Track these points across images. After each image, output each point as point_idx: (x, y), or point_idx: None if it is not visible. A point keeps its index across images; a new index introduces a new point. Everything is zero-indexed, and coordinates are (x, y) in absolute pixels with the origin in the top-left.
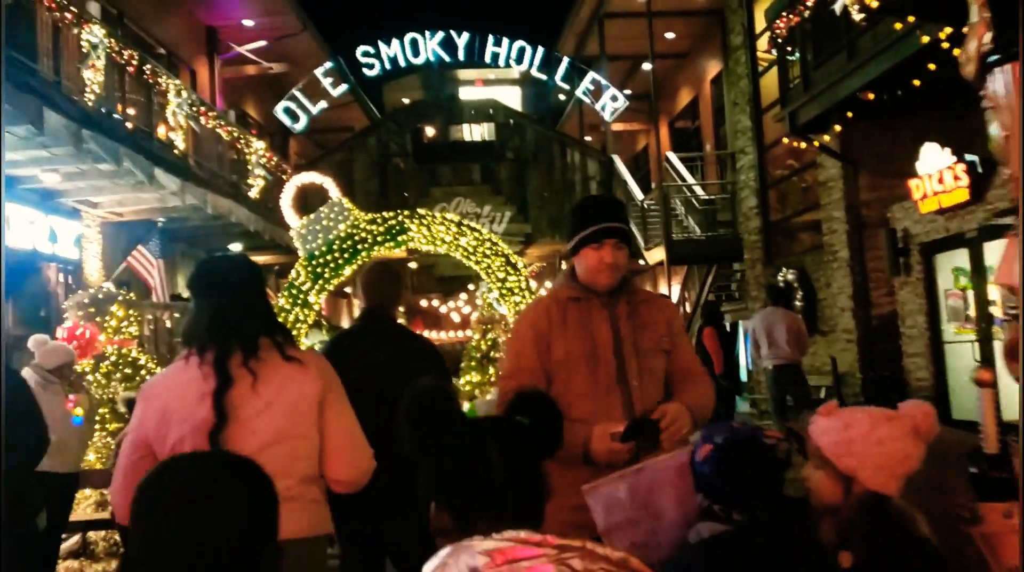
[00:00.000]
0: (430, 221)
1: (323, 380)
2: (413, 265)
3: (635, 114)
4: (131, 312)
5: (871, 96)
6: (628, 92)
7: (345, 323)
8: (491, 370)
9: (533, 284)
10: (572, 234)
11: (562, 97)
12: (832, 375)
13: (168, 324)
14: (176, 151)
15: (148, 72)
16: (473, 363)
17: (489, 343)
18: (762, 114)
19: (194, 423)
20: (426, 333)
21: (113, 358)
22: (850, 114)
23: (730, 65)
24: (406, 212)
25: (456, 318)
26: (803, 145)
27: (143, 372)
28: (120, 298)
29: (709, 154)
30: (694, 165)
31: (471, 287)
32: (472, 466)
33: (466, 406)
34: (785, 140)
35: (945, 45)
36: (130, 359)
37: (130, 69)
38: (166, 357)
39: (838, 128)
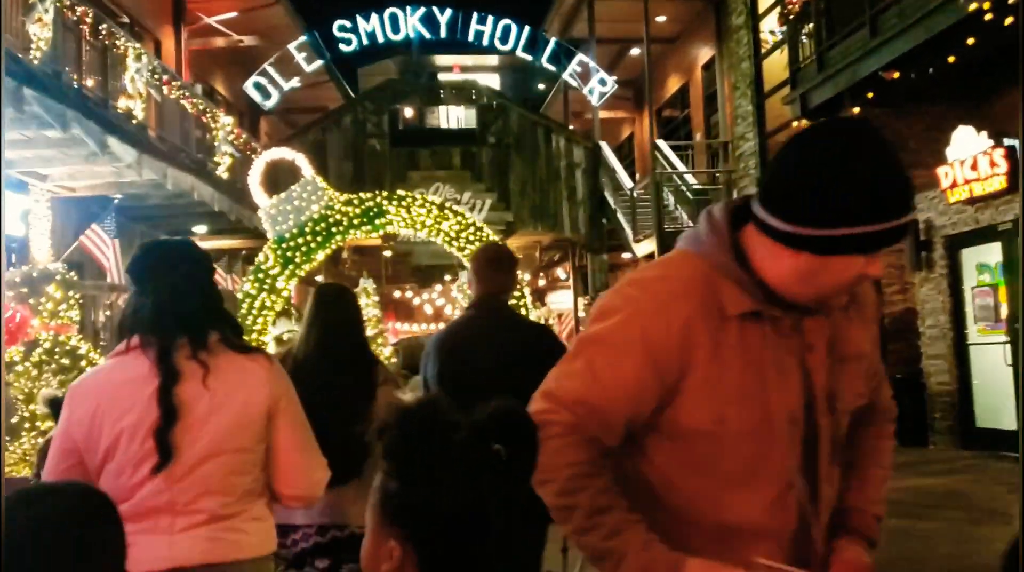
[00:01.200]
0: (410, 203)
1: (275, 386)
2: (387, 253)
3: (620, 101)
4: (72, 294)
5: (896, 75)
6: (614, 78)
7: None
8: None
9: (524, 275)
10: (822, 218)
11: (542, 87)
12: None
13: (121, 300)
14: (134, 121)
15: (104, 32)
16: None
17: None
18: (764, 98)
19: (133, 422)
20: (400, 326)
21: (47, 345)
22: (870, 94)
23: (730, 47)
24: (384, 193)
25: (429, 310)
26: None
27: (83, 363)
28: (58, 277)
29: (700, 143)
30: (683, 155)
31: (447, 278)
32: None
33: None
34: (795, 124)
35: (988, 16)
36: (68, 348)
37: (83, 27)
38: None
39: (856, 110)
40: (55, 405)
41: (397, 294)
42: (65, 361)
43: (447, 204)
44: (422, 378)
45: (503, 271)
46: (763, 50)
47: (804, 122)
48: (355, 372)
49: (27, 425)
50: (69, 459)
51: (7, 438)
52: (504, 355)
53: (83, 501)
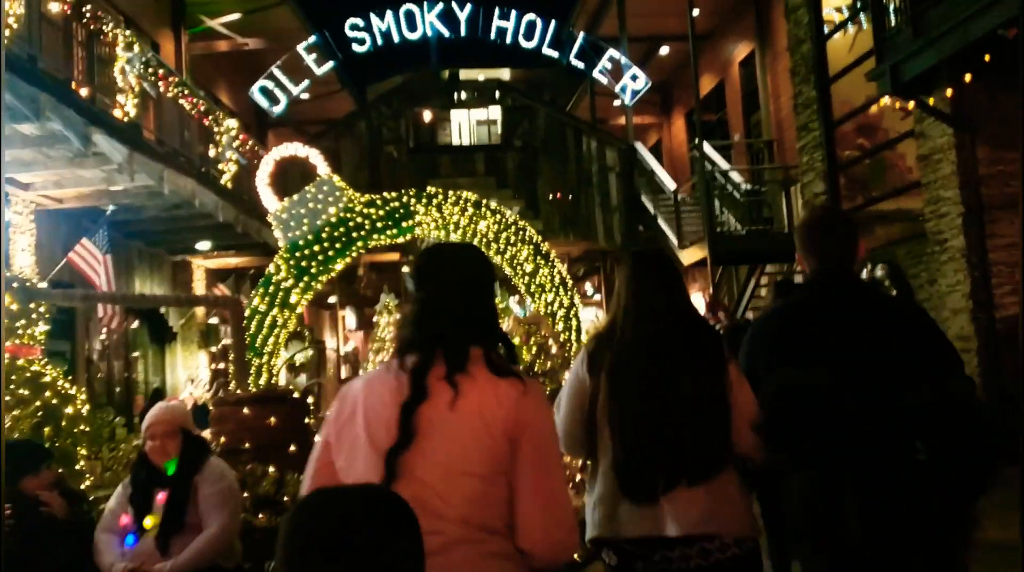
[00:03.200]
0: (441, 201)
1: (523, 415)
2: (407, 269)
3: (646, 106)
4: (37, 306)
5: (1013, 33)
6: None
7: (330, 339)
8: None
9: (569, 280)
10: None
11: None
12: None
13: (114, 323)
14: (125, 118)
15: (88, 16)
16: None
17: (534, 350)
18: (829, 83)
19: (372, 436)
20: None
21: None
22: (987, 57)
23: (777, 36)
24: (412, 191)
25: None
26: (910, 106)
27: (48, 394)
28: (15, 285)
29: (740, 143)
30: (724, 156)
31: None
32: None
33: None
34: (884, 102)
35: None
36: (29, 374)
37: (63, 7)
38: (103, 377)
39: (950, 93)
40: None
41: None
42: (24, 392)
43: (484, 201)
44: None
45: (842, 237)
46: (827, 29)
47: (896, 101)
48: (696, 351)
49: None
50: (324, 456)
51: None
52: (878, 342)
53: (391, 508)
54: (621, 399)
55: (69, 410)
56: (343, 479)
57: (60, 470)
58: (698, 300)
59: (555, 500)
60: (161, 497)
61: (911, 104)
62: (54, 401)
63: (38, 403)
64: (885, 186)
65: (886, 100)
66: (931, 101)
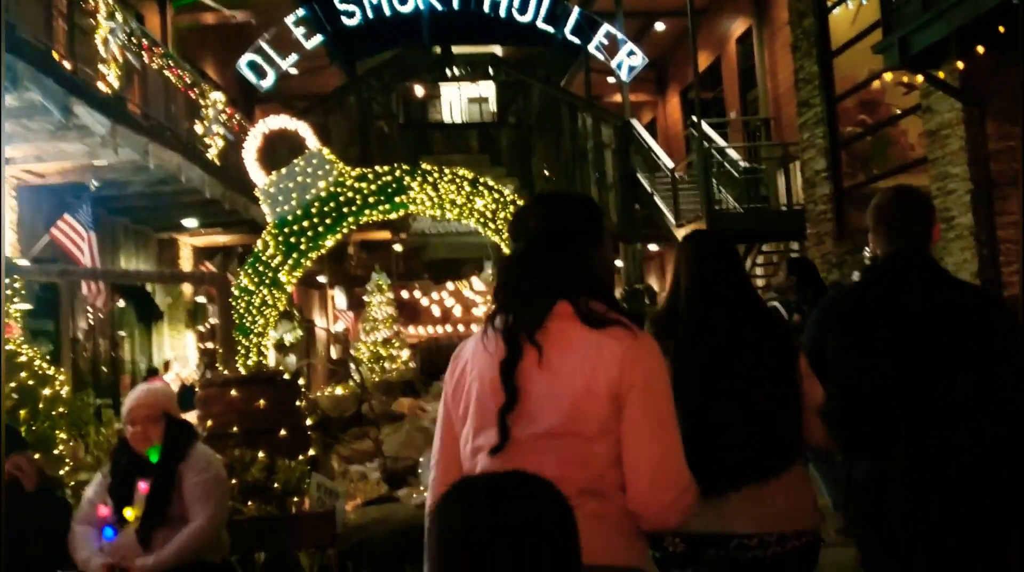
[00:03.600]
0: (436, 178)
1: (628, 370)
2: (398, 247)
3: (641, 83)
4: (12, 282)
5: None
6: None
7: (319, 319)
8: None
9: None
10: None
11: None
12: None
13: (100, 301)
14: (108, 90)
15: None
16: None
17: None
18: (831, 58)
19: (479, 395)
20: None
21: None
22: (1000, 28)
23: (790, 1)
24: (405, 166)
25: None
26: (919, 79)
27: (24, 374)
28: None
29: (735, 121)
30: (720, 134)
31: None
32: None
33: None
34: (888, 77)
35: None
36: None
37: None
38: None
39: (960, 66)
40: None
41: (405, 294)
42: None
43: (481, 179)
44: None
45: (916, 218)
46: (829, 2)
47: (904, 75)
48: (766, 338)
49: None
50: (448, 427)
51: None
52: (930, 330)
53: (546, 494)
54: (687, 390)
55: (47, 392)
56: (462, 446)
57: (37, 456)
58: None
59: (666, 461)
60: (143, 487)
61: (919, 78)
62: (31, 382)
63: (13, 384)
64: (887, 163)
65: (889, 76)
66: (941, 74)
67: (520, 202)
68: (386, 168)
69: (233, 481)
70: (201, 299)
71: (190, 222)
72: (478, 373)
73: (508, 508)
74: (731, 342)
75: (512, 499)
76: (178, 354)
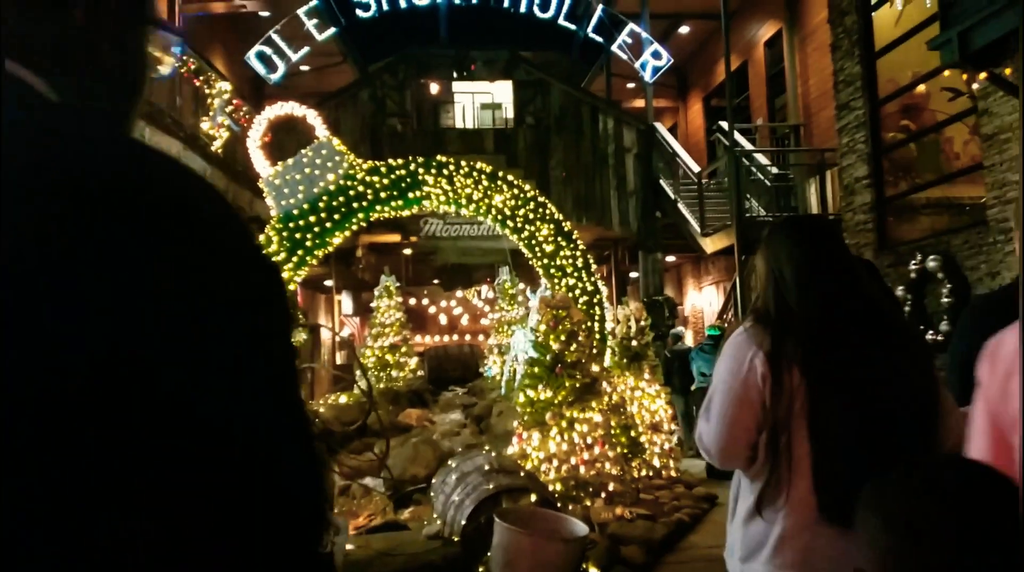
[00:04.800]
0: (452, 172)
1: None
2: (408, 251)
3: (662, 89)
4: None
5: None
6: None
7: (324, 323)
8: (567, 383)
9: (592, 263)
10: None
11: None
12: None
13: None
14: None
15: None
16: (537, 370)
17: (563, 338)
18: (876, 58)
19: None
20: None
21: None
22: None
23: (809, 14)
24: (420, 159)
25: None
26: (982, 76)
27: None
28: None
29: (763, 127)
30: (748, 141)
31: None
32: None
33: (511, 449)
34: (947, 74)
35: None
36: None
37: None
38: None
39: None
40: None
41: (412, 301)
42: None
43: (500, 174)
44: (953, 356)
45: None
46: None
47: (964, 72)
48: (899, 338)
49: None
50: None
51: None
52: None
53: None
54: (828, 402)
55: None
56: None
57: None
58: (712, 295)
59: None
60: None
61: (983, 75)
62: None
63: None
64: (931, 171)
65: (946, 73)
66: (1007, 71)
67: (540, 199)
68: (400, 161)
69: None
70: None
71: None
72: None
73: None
74: (864, 345)
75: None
76: None
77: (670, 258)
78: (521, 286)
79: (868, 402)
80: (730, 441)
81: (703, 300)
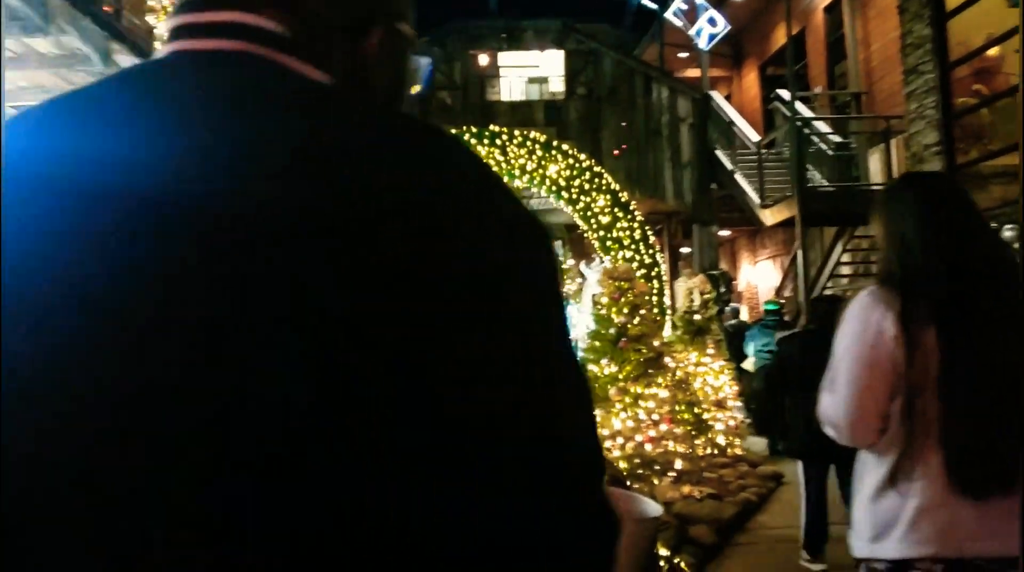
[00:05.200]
0: (505, 141)
1: None
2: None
3: (714, 58)
4: None
5: None
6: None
7: None
8: (632, 357)
9: (651, 236)
10: None
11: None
12: None
13: None
14: (156, 41)
15: None
16: (599, 344)
17: (626, 310)
18: (947, 18)
19: None
20: None
21: None
22: None
23: None
24: (473, 129)
25: None
26: None
27: None
28: None
29: (823, 96)
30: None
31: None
32: None
33: None
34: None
35: None
36: None
37: None
38: None
39: None
40: None
41: None
42: None
43: (555, 143)
44: None
45: None
46: None
47: None
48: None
49: None
50: None
51: None
52: None
53: None
54: (964, 367)
55: None
56: None
57: None
58: (769, 270)
59: None
60: None
61: None
62: None
63: None
64: (1005, 138)
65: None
66: None
67: (596, 169)
68: (451, 130)
69: None
70: None
71: None
72: None
73: None
74: (998, 309)
75: None
76: None
77: (724, 232)
78: (572, 262)
79: (1001, 367)
80: (861, 411)
81: (758, 275)
